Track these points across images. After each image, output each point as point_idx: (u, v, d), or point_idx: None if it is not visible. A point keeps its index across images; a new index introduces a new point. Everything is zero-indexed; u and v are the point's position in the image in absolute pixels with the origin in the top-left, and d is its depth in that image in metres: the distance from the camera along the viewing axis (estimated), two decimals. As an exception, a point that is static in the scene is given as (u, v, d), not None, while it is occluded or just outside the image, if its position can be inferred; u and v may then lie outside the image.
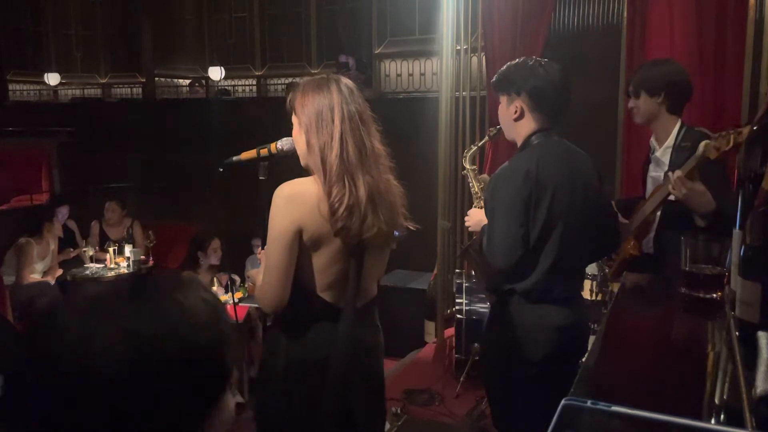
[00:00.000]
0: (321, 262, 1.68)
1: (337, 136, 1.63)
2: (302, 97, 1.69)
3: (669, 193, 2.19)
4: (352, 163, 1.63)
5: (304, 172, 1.73)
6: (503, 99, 2.05)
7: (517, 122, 2.01)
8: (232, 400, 0.75)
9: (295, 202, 1.63)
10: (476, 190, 2.40)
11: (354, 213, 1.62)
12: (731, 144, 1.93)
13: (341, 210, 1.60)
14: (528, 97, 1.97)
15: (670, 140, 2.39)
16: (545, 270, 1.92)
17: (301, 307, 1.69)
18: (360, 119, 1.68)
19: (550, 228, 1.91)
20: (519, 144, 2.04)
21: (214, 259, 4.60)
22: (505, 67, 2.07)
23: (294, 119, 1.73)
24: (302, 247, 1.65)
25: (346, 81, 1.73)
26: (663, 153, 2.41)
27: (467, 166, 2.54)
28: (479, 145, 2.55)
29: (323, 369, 1.68)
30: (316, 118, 1.66)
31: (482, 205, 2.19)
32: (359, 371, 1.75)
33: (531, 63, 2.01)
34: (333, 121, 1.65)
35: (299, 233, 1.63)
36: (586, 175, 2.01)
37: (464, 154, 2.56)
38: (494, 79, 2.09)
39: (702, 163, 2.04)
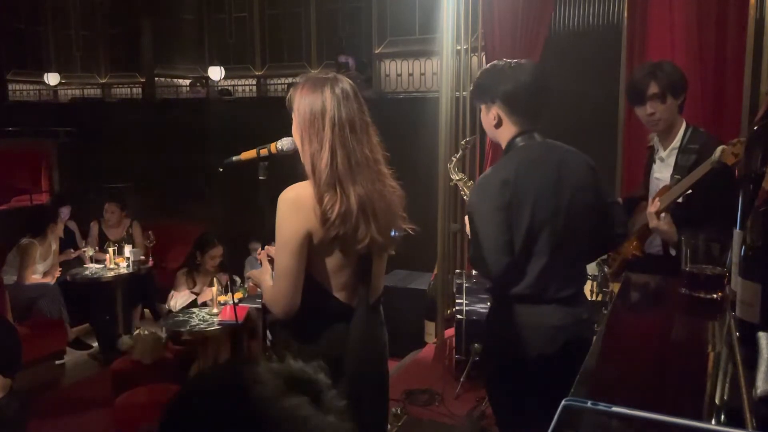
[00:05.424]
0: (334, 263, 1.68)
1: (327, 145, 1.63)
2: (299, 97, 1.69)
3: (677, 197, 2.19)
4: (342, 172, 1.63)
5: (302, 172, 1.72)
6: (482, 108, 2.05)
7: (497, 129, 2.01)
8: None
9: (301, 207, 1.63)
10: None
11: (346, 221, 1.62)
12: None
13: (333, 217, 1.61)
14: (502, 103, 1.96)
15: (676, 141, 2.35)
16: (537, 273, 1.91)
17: (315, 308, 1.70)
18: (351, 127, 1.66)
19: (537, 232, 1.90)
20: (503, 147, 2.04)
21: (210, 265, 4.59)
22: (478, 74, 2.07)
23: (293, 116, 1.73)
24: (314, 249, 1.66)
25: (343, 83, 1.70)
26: (668, 154, 2.37)
27: (454, 178, 2.58)
28: (458, 157, 2.63)
29: (336, 368, 1.68)
30: (308, 124, 1.65)
31: None
32: (368, 367, 1.76)
33: (500, 67, 1.99)
34: (324, 128, 1.64)
35: (308, 237, 1.63)
36: (575, 174, 1.97)
37: (448, 166, 2.58)
38: (471, 90, 2.09)
39: (717, 168, 2.03)
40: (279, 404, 0.68)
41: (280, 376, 0.72)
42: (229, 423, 0.68)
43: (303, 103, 1.67)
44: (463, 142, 2.54)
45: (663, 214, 2.21)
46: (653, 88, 2.29)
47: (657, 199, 2.26)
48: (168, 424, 0.71)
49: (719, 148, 1.99)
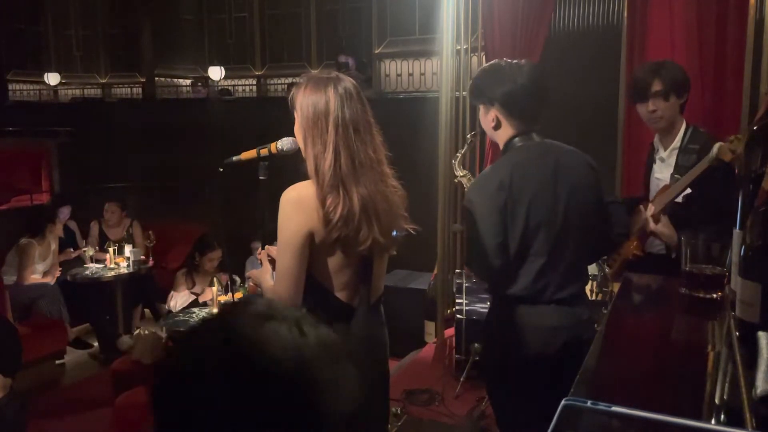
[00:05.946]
0: (335, 263, 1.68)
1: (330, 147, 1.62)
2: (301, 96, 1.68)
3: (677, 195, 2.19)
4: (345, 173, 1.62)
5: (303, 172, 1.72)
6: (481, 108, 2.04)
7: (496, 131, 2.01)
8: None
9: (304, 207, 1.63)
10: None
11: (349, 223, 1.62)
12: None
13: (336, 218, 1.60)
14: (501, 106, 1.96)
15: (677, 141, 2.35)
16: (535, 274, 1.91)
17: (317, 308, 1.69)
18: (355, 128, 1.65)
19: (534, 233, 1.89)
20: (501, 148, 2.04)
21: (208, 267, 4.59)
22: (477, 74, 2.06)
23: (295, 115, 1.72)
24: (316, 249, 1.65)
25: (346, 83, 1.69)
26: (669, 154, 2.38)
27: (458, 174, 2.58)
28: (462, 152, 2.62)
29: None
30: (311, 124, 1.65)
31: None
32: (369, 367, 1.76)
33: (500, 67, 1.99)
34: (327, 129, 1.63)
35: (310, 237, 1.63)
36: (574, 174, 1.95)
37: (452, 162, 2.59)
38: (469, 89, 2.08)
39: (714, 165, 2.03)
40: (258, 331, 0.72)
41: (257, 314, 0.76)
42: (216, 360, 0.70)
43: (306, 102, 1.66)
44: (469, 136, 2.53)
45: (662, 216, 2.22)
46: (657, 86, 2.30)
47: (652, 203, 2.27)
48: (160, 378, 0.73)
49: (716, 145, 2.00)
